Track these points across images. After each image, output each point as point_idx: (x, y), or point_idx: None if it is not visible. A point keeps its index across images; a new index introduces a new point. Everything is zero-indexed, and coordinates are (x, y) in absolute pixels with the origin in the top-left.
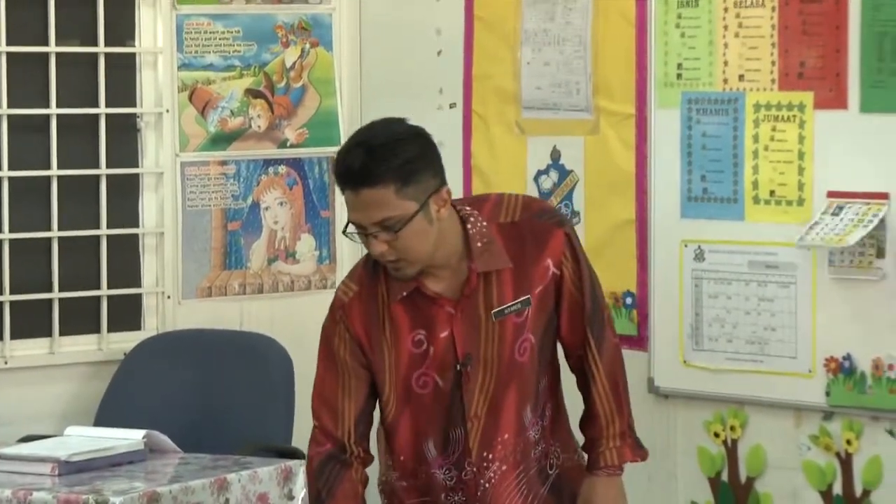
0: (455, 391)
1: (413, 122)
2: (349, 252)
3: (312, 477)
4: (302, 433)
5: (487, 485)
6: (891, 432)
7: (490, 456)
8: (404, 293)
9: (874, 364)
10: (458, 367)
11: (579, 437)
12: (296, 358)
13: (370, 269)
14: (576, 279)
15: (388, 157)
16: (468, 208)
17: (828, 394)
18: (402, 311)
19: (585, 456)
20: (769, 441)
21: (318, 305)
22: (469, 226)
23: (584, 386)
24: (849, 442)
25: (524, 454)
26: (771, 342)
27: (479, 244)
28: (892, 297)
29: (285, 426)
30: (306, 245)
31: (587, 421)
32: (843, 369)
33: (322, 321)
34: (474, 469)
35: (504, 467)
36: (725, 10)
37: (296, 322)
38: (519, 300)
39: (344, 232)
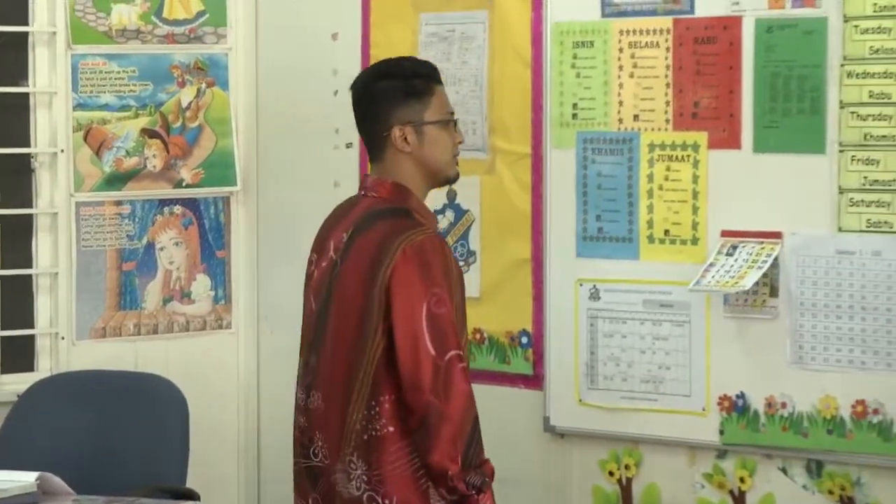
0: None
1: (309, 162)
2: (245, 292)
3: (471, 414)
4: (197, 474)
5: None
6: (784, 470)
7: None
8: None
9: (767, 402)
10: None
11: None
12: (191, 399)
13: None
14: None
15: None
16: None
17: (721, 432)
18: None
19: None
20: (663, 479)
21: (213, 346)
22: None
23: None
24: (742, 480)
25: None
26: (665, 381)
27: None
28: (786, 335)
29: (180, 467)
30: (202, 285)
31: None
32: (736, 407)
33: (216, 362)
34: None
35: None
36: (620, 50)
37: (191, 362)
38: None
39: (455, 123)
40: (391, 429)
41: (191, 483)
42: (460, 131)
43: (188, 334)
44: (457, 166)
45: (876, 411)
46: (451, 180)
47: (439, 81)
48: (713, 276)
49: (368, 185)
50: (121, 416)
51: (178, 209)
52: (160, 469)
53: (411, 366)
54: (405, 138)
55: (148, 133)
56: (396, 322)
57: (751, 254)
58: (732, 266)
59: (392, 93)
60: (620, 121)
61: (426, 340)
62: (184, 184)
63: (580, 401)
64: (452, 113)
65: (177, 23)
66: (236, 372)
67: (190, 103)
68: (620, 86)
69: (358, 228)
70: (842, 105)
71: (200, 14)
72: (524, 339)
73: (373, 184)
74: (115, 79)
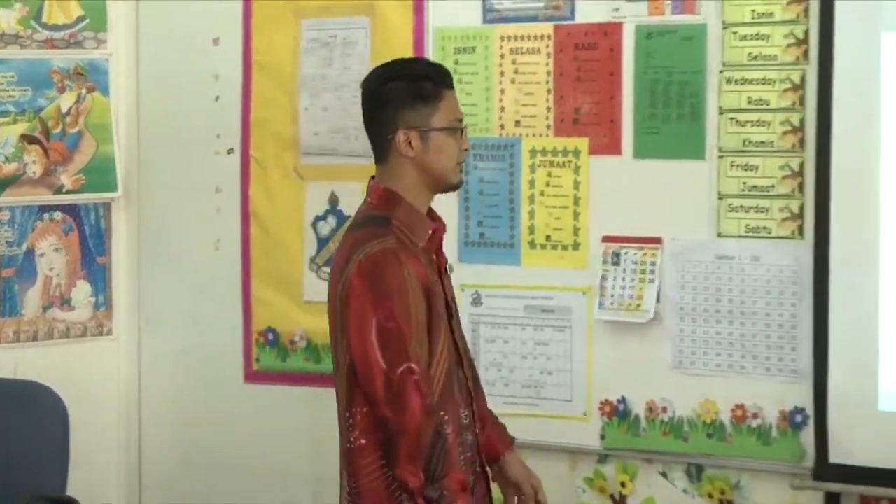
0: (450, 334)
1: (190, 167)
2: (126, 298)
3: (429, 426)
4: (77, 482)
5: (477, 423)
6: (664, 474)
7: (475, 395)
8: (430, 231)
9: (648, 407)
10: (450, 309)
11: None
12: (71, 406)
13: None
14: None
15: None
16: None
17: (602, 437)
18: (425, 262)
19: None
20: (545, 484)
21: (94, 352)
22: None
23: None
24: (623, 484)
25: None
26: (547, 386)
27: None
28: (666, 339)
29: (60, 475)
30: (82, 292)
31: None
32: (617, 412)
33: (97, 369)
34: (473, 408)
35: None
36: (502, 56)
37: (71, 369)
38: None
39: (462, 130)
40: (363, 441)
41: (71, 491)
42: (467, 137)
43: (68, 341)
44: (461, 173)
45: (755, 415)
46: (454, 187)
47: (450, 86)
48: (612, 297)
49: (368, 190)
50: (0, 424)
51: (58, 215)
52: (40, 477)
53: (365, 379)
54: (409, 143)
55: (27, 139)
56: (349, 335)
57: (635, 261)
58: (625, 279)
59: (399, 95)
60: (502, 126)
61: (377, 354)
62: (64, 190)
63: None
64: (461, 119)
65: (56, 28)
66: (117, 378)
67: (70, 109)
68: (502, 91)
69: (344, 237)
70: (721, 111)
71: (80, 19)
72: None
73: (370, 189)
74: None
